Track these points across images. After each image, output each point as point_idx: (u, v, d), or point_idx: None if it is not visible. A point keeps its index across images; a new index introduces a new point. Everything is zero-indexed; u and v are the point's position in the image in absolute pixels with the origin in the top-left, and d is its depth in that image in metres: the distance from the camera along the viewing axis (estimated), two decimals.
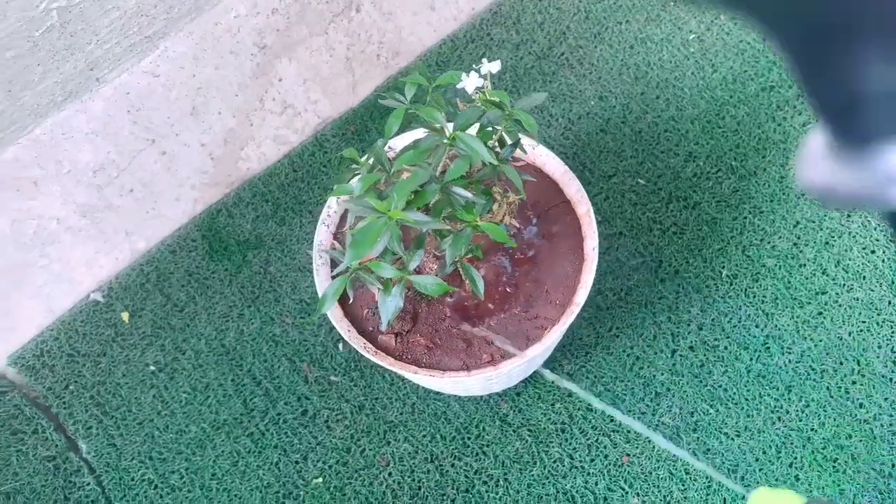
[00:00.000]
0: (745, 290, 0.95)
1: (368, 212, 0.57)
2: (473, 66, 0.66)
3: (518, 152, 0.69)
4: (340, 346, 0.97)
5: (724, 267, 0.96)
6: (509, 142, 0.66)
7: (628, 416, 0.83)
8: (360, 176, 0.63)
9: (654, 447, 0.87)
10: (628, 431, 0.88)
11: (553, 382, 0.91)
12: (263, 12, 1.04)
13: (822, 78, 0.25)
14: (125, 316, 1.01)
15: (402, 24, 1.12)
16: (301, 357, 0.97)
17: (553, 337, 0.75)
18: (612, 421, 0.89)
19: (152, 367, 0.98)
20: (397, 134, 0.70)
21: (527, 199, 0.79)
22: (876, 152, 0.27)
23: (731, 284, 0.95)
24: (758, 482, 0.84)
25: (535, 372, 0.92)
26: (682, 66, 1.10)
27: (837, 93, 0.25)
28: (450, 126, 0.63)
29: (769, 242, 0.97)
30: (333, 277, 0.71)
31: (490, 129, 0.65)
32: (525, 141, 0.80)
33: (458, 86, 0.64)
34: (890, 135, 0.26)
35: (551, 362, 0.93)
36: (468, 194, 0.59)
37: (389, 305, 0.61)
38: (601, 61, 1.11)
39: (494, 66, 0.65)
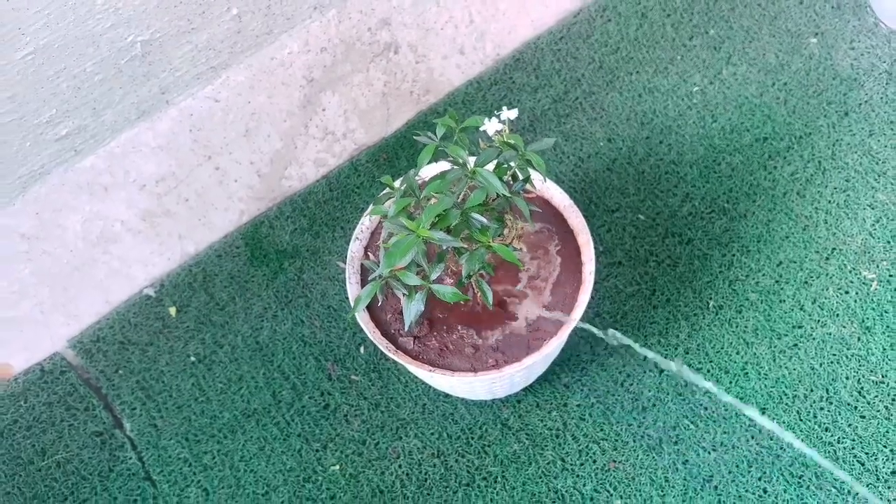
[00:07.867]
0: (729, 320, 1.05)
1: (400, 229, 0.68)
2: (495, 111, 0.78)
3: (530, 186, 0.80)
4: (362, 349, 1.08)
5: (711, 298, 1.07)
6: (521, 177, 0.77)
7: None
8: (393, 199, 0.75)
9: (637, 456, 0.97)
10: (616, 440, 0.98)
11: (551, 393, 1.01)
12: (314, 50, 1.18)
13: None
14: (172, 311, 1.12)
15: (434, 65, 1.25)
16: (326, 357, 1.08)
17: (551, 348, 0.86)
18: (601, 430, 0.99)
19: (193, 358, 1.09)
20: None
21: (535, 226, 0.90)
22: None
23: (717, 314, 1.05)
24: (730, 493, 0.94)
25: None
26: (685, 115, 1.21)
27: None
28: (472, 160, 0.75)
29: (754, 279, 1.07)
30: (364, 284, 0.83)
31: (505, 165, 0.76)
32: (536, 176, 0.92)
33: (481, 128, 0.76)
34: None
35: (550, 374, 1.03)
36: (484, 219, 0.70)
37: (412, 309, 0.72)
38: (611, 107, 1.23)
39: (512, 114, 0.77)
